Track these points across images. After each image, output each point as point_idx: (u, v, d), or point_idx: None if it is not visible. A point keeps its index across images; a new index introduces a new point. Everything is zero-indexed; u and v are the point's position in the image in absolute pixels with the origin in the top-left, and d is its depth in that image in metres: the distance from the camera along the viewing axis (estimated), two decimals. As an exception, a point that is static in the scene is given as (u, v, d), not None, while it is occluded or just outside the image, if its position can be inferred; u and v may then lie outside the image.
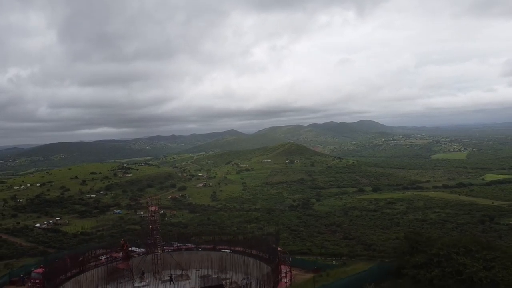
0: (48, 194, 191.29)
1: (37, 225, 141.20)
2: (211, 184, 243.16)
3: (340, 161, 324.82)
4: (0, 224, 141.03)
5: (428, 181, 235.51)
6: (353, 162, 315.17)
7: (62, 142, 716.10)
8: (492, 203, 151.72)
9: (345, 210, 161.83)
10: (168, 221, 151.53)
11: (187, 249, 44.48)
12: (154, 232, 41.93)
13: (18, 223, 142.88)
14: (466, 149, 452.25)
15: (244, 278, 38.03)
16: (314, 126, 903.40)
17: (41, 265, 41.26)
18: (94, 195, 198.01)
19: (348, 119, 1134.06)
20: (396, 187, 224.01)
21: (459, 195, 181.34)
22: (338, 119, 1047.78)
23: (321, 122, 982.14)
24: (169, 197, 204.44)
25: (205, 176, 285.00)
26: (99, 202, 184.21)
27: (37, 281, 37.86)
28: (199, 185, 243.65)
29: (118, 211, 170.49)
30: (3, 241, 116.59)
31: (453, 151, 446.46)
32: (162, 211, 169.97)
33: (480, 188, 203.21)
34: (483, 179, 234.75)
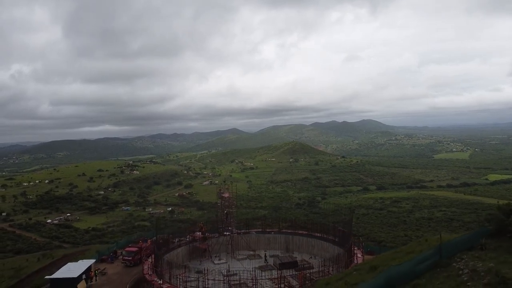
0: (57, 191, 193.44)
1: (49, 221, 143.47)
2: (216, 182, 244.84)
3: (344, 160, 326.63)
4: (13, 219, 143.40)
5: (432, 181, 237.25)
6: (357, 161, 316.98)
7: (65, 140, 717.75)
8: (498, 202, 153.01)
9: (351, 208, 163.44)
10: (177, 218, 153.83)
11: (255, 232, 48.35)
12: (229, 216, 45.50)
13: (30, 218, 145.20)
14: (468, 149, 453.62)
15: (310, 257, 41.40)
16: (316, 125, 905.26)
17: (130, 245, 45.11)
18: (102, 192, 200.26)
19: (350, 118, 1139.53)
20: (400, 186, 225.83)
21: (464, 194, 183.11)
22: (340, 119, 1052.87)
23: (323, 121, 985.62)
24: (176, 194, 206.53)
25: (210, 174, 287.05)
26: (108, 199, 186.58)
27: (129, 258, 41.02)
28: (204, 183, 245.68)
29: (127, 207, 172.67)
30: (18, 236, 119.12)
31: (456, 151, 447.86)
32: (171, 208, 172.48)
33: (484, 187, 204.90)
34: (486, 179, 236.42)
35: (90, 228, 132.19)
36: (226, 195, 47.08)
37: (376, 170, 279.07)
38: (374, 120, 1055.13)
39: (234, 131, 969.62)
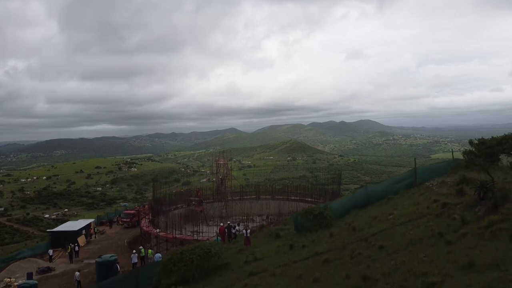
0: (55, 187, 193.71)
1: (46, 216, 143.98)
2: (214, 179, 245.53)
3: (341, 159, 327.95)
4: (11, 214, 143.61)
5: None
6: (354, 160, 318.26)
7: (62, 138, 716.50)
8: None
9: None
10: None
11: (249, 198, 50.78)
12: (224, 181, 47.76)
13: (28, 213, 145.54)
14: (465, 149, 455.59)
15: None
16: (314, 125, 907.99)
17: (127, 208, 47.00)
18: (100, 189, 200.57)
19: (348, 119, 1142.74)
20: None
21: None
22: (338, 119, 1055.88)
23: (321, 121, 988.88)
24: (174, 191, 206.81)
25: (208, 172, 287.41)
26: (106, 195, 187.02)
27: (127, 220, 42.09)
28: (202, 180, 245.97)
29: (125, 203, 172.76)
30: (16, 230, 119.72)
31: (453, 151, 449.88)
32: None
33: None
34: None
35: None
36: (222, 161, 48.19)
37: (373, 168, 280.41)
38: (372, 120, 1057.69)
39: (232, 130, 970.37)
